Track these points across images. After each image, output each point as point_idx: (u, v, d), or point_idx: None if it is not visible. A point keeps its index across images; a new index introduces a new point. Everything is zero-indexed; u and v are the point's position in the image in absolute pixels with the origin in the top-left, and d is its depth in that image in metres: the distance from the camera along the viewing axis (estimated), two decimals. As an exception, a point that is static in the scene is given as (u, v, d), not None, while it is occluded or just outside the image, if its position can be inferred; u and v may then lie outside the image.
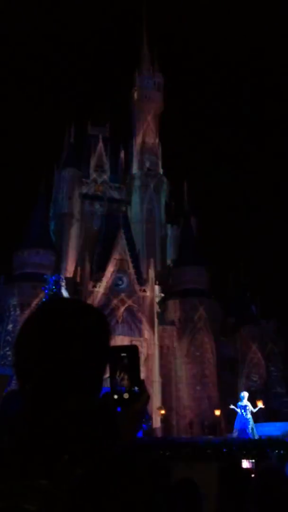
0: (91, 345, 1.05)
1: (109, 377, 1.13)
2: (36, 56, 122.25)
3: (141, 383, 1.14)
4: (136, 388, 1.13)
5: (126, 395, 1.11)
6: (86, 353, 1.03)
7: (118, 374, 1.13)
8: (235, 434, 23.25)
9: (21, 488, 0.83)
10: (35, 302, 36.92)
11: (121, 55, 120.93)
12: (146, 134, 54.99)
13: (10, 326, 38.60)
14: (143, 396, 1.13)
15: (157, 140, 55.34)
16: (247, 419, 23.38)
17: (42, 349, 1.01)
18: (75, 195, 50.74)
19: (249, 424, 23.19)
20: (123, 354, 1.15)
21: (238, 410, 24.27)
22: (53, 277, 33.81)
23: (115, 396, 1.11)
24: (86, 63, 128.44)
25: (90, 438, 0.94)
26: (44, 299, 30.00)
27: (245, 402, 24.59)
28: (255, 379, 41.35)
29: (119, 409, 1.11)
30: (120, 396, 1.11)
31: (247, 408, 24.15)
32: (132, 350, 1.16)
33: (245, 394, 25.10)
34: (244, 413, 23.63)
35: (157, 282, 44.52)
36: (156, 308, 42.32)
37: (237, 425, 23.86)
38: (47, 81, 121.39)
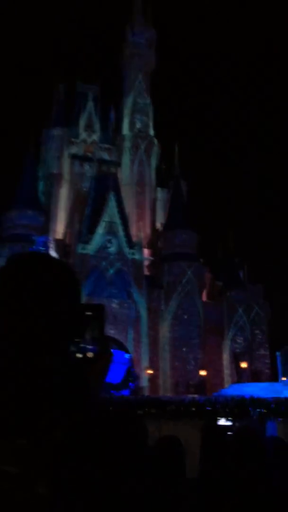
0: (65, 303, 1.01)
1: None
2: (26, 12, 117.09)
3: (104, 342, 1.13)
4: (98, 347, 1.12)
5: (90, 354, 1.10)
6: (61, 311, 1.00)
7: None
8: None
9: None
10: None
11: (112, 8, 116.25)
12: (138, 94, 53.60)
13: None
14: (105, 355, 1.12)
15: (148, 100, 54.04)
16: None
17: (15, 306, 0.96)
18: (64, 155, 49.83)
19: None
20: (88, 313, 1.12)
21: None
22: (42, 238, 33.70)
23: (79, 355, 1.09)
24: (76, 17, 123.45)
25: (67, 396, 0.92)
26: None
27: None
28: (240, 341, 42.38)
29: None
30: (84, 355, 1.09)
31: None
32: (98, 309, 1.14)
33: None
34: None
35: (146, 245, 44.62)
36: (145, 271, 42.68)
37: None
38: (36, 37, 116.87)
